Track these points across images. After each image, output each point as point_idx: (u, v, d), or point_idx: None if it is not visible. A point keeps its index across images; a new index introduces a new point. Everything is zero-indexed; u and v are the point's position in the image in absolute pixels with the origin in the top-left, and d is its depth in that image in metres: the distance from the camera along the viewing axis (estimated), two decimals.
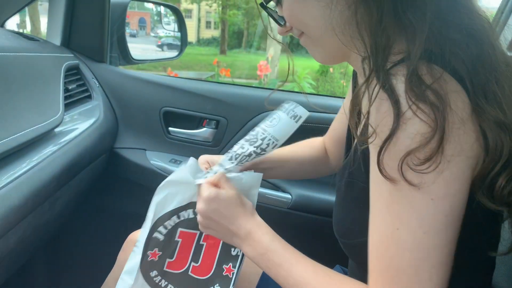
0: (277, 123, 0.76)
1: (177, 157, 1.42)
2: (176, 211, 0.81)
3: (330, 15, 0.60)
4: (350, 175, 0.65)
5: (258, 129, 0.77)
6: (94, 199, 1.46)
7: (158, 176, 1.37)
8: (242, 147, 0.77)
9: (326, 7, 0.60)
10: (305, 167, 1.01)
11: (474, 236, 0.57)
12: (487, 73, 0.54)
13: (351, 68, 0.74)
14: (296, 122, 0.76)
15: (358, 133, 0.61)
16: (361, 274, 0.65)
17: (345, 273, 0.95)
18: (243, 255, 0.81)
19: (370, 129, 0.54)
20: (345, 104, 0.90)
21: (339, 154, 0.96)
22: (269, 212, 1.22)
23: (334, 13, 0.59)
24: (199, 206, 0.72)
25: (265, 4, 0.68)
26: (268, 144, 0.76)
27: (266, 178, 0.90)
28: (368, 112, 0.56)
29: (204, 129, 1.41)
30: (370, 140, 0.54)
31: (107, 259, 1.09)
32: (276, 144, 0.76)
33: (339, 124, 0.97)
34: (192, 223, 0.82)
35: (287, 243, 0.68)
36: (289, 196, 1.30)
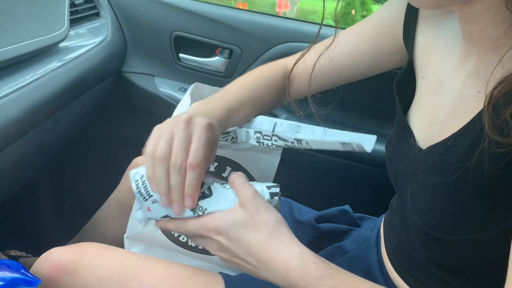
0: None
1: (187, 86, 1.36)
2: None
3: None
4: (466, 155, 0.47)
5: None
6: (99, 122, 1.43)
7: (166, 104, 1.32)
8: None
9: None
10: (263, 111, 0.82)
11: None
12: None
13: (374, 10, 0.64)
14: None
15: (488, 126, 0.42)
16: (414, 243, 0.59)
17: (352, 215, 0.89)
18: None
19: None
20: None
21: (305, 87, 0.79)
22: None
23: None
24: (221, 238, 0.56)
25: None
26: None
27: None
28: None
29: (217, 58, 1.33)
30: None
31: (110, 182, 1.07)
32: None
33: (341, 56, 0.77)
34: None
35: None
36: None
